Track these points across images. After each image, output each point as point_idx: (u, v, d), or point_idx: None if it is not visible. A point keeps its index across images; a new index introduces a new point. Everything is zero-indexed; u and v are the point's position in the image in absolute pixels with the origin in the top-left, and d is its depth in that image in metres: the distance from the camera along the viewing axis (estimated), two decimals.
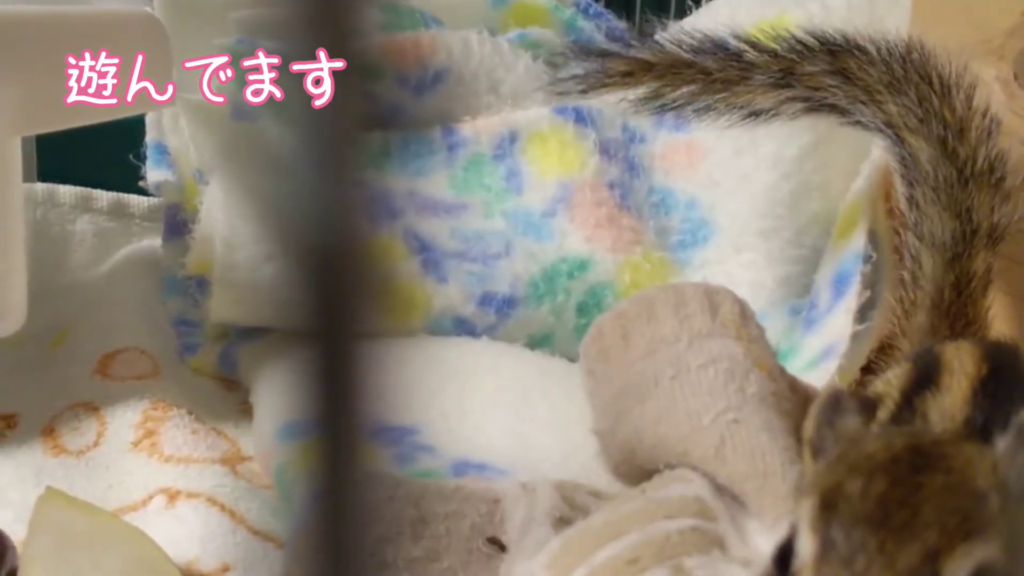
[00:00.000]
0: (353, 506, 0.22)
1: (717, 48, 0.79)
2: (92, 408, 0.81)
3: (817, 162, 0.91)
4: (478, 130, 0.96)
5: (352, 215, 0.21)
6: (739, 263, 0.92)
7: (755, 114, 0.80)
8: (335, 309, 0.22)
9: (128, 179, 0.99)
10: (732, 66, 0.78)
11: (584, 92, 0.83)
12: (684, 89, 0.80)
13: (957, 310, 0.73)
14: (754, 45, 0.78)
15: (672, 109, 0.81)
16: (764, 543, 0.54)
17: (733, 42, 0.79)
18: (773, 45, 0.78)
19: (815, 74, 0.77)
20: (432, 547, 0.59)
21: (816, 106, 0.79)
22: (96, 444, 0.79)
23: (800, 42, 0.77)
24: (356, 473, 0.23)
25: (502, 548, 0.59)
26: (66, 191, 1.02)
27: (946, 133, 0.73)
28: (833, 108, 0.79)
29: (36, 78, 0.75)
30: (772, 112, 0.80)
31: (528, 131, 0.96)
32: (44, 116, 0.78)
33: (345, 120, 0.21)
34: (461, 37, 0.97)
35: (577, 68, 0.81)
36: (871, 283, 0.81)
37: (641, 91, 0.81)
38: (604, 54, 0.82)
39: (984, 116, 0.73)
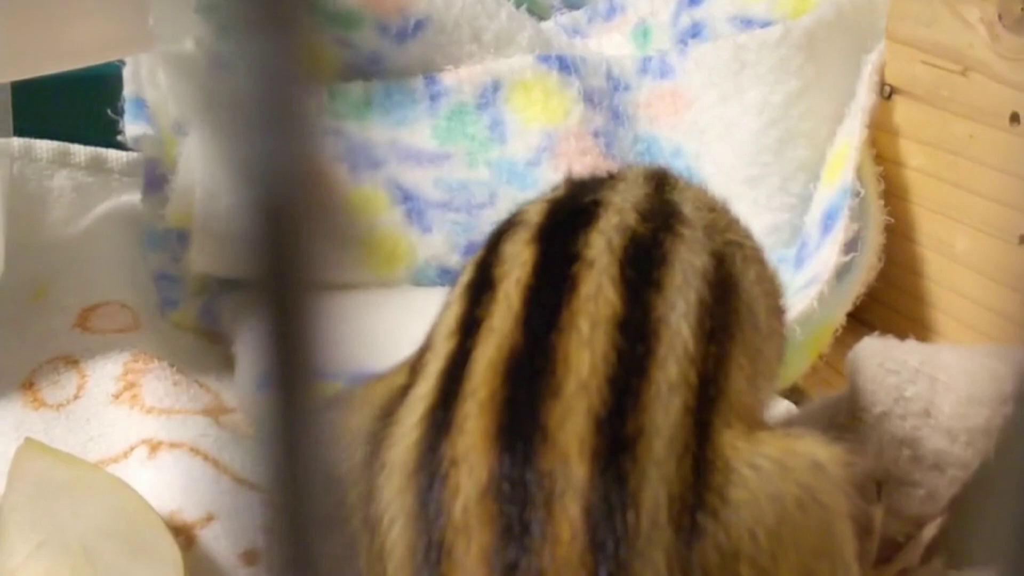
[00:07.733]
0: (306, 462, 0.22)
1: None
2: (72, 361, 0.80)
3: (803, 108, 0.90)
4: (461, 79, 0.95)
5: (302, 165, 0.20)
6: None
7: None
8: (283, 261, 0.21)
9: (106, 134, 0.98)
10: None
11: None
12: None
13: None
14: None
15: None
16: None
17: None
18: None
19: None
20: None
21: None
22: (77, 397, 0.78)
23: None
24: (307, 427, 0.22)
25: None
26: (43, 146, 1.00)
27: None
28: None
29: (18, 20, 0.74)
30: None
31: (511, 80, 0.95)
32: (26, 61, 0.76)
33: (295, 66, 0.20)
34: None
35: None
36: (857, 217, 0.80)
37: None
38: None
39: None
